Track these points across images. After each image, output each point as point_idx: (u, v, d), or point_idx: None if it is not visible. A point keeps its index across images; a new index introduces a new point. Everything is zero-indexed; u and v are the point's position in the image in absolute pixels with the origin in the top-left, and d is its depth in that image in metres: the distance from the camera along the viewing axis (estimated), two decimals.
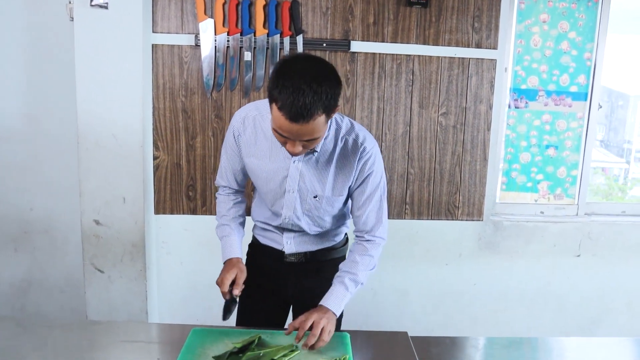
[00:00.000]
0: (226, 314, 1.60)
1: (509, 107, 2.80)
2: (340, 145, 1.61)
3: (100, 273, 2.55)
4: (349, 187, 1.66)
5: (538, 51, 2.75)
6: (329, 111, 1.39)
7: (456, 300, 2.90)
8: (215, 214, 1.81)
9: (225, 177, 1.76)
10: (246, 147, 1.66)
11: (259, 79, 2.56)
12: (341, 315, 1.81)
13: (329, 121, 1.55)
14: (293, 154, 1.48)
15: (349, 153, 1.61)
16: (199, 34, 2.49)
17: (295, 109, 1.32)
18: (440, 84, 2.65)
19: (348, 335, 1.65)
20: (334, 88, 1.38)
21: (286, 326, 1.60)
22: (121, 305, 2.58)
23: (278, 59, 2.54)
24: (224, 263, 1.67)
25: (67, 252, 2.75)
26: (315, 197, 1.66)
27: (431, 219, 2.78)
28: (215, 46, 2.50)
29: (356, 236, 1.73)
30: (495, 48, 2.63)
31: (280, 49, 2.53)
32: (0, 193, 2.70)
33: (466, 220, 2.80)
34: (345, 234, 1.89)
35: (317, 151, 1.58)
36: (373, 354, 1.64)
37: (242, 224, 1.80)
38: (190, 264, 2.74)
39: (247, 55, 2.52)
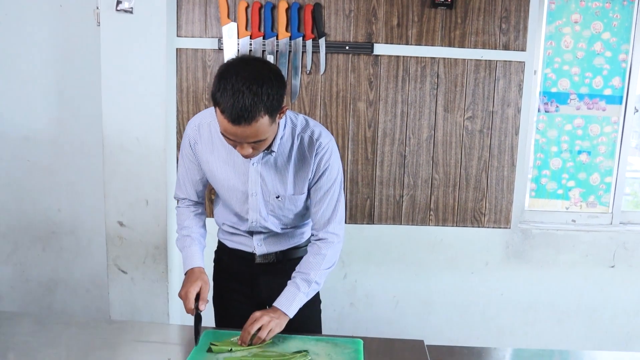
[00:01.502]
0: (197, 335, 1.54)
1: (539, 110, 2.71)
2: (297, 143, 1.60)
3: (123, 274, 2.58)
4: (309, 183, 1.65)
5: (569, 53, 2.65)
6: (272, 112, 1.37)
7: (482, 311, 2.81)
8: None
9: (183, 189, 1.74)
10: (204, 155, 1.64)
11: None
12: (319, 318, 1.83)
13: (284, 121, 1.57)
14: (244, 157, 1.47)
15: (305, 150, 1.60)
16: (222, 37, 2.50)
17: (236, 112, 1.31)
18: (466, 87, 2.59)
19: (361, 341, 1.61)
20: (276, 89, 1.36)
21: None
22: (143, 306, 2.60)
23: (300, 63, 2.53)
24: (185, 274, 1.64)
25: (92, 252, 2.80)
26: (277, 197, 1.65)
27: (456, 226, 2.71)
28: (238, 50, 2.51)
29: (311, 235, 1.71)
30: (523, 50, 2.55)
31: (302, 52, 2.52)
32: (29, 194, 2.78)
33: (493, 227, 2.72)
34: (310, 233, 1.87)
35: (274, 151, 1.57)
36: None
37: (204, 235, 1.77)
38: (212, 267, 2.74)
39: (270, 59, 2.52)
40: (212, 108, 1.63)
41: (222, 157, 1.63)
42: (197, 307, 1.55)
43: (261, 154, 1.57)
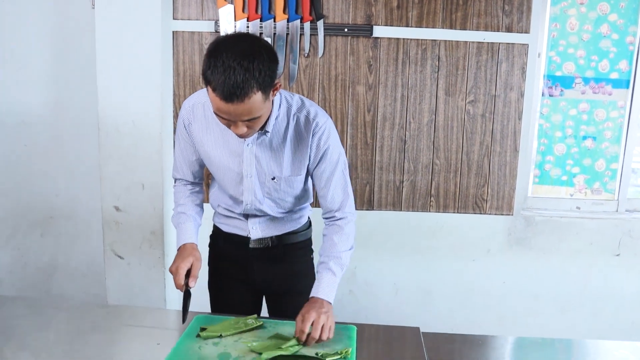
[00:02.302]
0: (185, 313, 1.52)
1: (543, 95, 2.65)
2: (292, 123, 1.56)
3: (119, 259, 2.56)
4: (307, 166, 1.61)
5: (575, 35, 2.58)
6: (265, 88, 1.34)
7: (483, 299, 2.77)
8: None
9: (180, 169, 1.72)
10: (198, 135, 1.62)
11: (279, 65, 2.50)
12: None
13: (278, 101, 1.53)
14: (239, 136, 1.44)
15: (302, 130, 1.56)
16: (218, 20, 2.46)
17: (228, 89, 1.28)
18: (468, 71, 2.53)
19: (355, 328, 1.58)
20: (267, 64, 1.32)
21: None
22: (140, 291, 2.59)
23: (298, 45, 2.48)
24: (177, 249, 1.61)
25: (89, 237, 2.79)
26: (273, 178, 1.62)
27: (457, 213, 2.67)
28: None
29: (326, 219, 1.67)
30: (527, 32, 2.49)
31: (300, 34, 2.47)
32: (27, 178, 2.77)
33: (495, 214, 2.67)
34: (308, 217, 1.84)
35: (268, 131, 1.53)
36: (379, 348, 1.55)
37: (199, 213, 1.74)
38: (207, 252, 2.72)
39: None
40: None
41: (216, 138, 1.59)
42: (186, 284, 1.51)
43: (256, 135, 1.54)
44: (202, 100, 1.58)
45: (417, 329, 1.65)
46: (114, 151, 2.46)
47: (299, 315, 1.49)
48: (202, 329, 1.49)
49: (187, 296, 1.52)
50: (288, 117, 1.56)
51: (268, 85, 1.35)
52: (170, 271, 1.53)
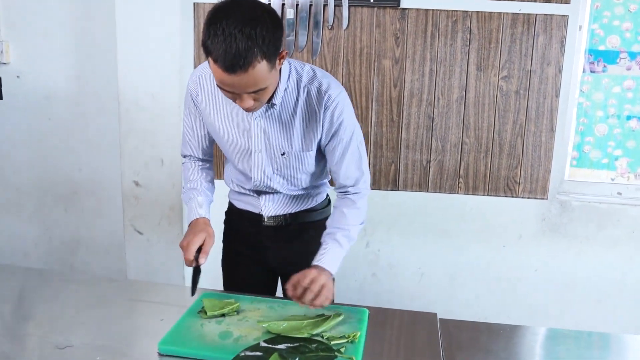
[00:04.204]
0: (194, 287, 1.47)
1: (584, 71, 2.47)
2: (302, 96, 1.47)
3: (139, 235, 2.55)
4: (319, 141, 1.52)
5: (620, 6, 2.38)
6: (270, 56, 1.24)
7: (513, 287, 2.64)
8: None
9: (188, 145, 1.66)
10: (205, 108, 1.54)
11: (302, 38, 2.41)
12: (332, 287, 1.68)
13: (287, 71, 1.44)
14: (246, 110, 1.35)
15: (313, 103, 1.47)
16: None
17: (230, 58, 1.19)
18: (502, 44, 2.38)
19: (366, 311, 1.49)
20: (272, 30, 1.23)
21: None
22: (159, 268, 2.57)
23: (322, 17, 2.38)
24: (189, 225, 1.55)
25: (111, 213, 2.79)
26: (282, 154, 1.53)
27: (488, 195, 2.54)
28: None
29: (339, 192, 1.59)
30: (567, 2, 2.31)
31: (324, 5, 2.37)
32: (51, 152, 2.79)
33: (528, 198, 2.53)
34: (327, 194, 1.76)
35: (275, 104, 1.44)
36: (391, 333, 1.46)
37: (211, 190, 1.68)
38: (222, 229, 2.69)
39: (290, 13, 2.38)
40: None
41: (224, 111, 1.52)
42: (196, 259, 1.45)
43: (263, 108, 1.46)
44: (209, 71, 1.50)
45: (434, 314, 1.55)
46: (133, 126, 2.44)
47: (295, 275, 1.41)
48: (205, 306, 1.44)
49: (196, 272, 1.47)
50: (298, 88, 1.47)
51: (273, 54, 1.26)
52: (181, 246, 1.47)
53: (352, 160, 1.54)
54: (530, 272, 2.62)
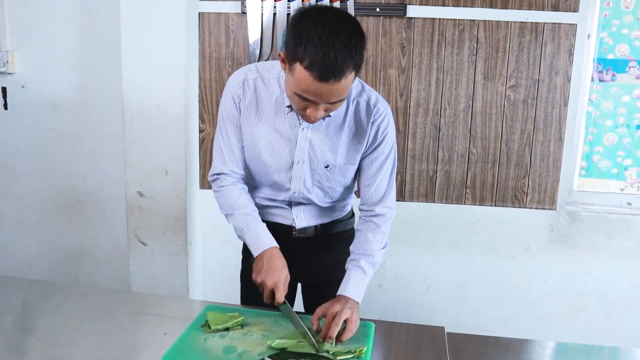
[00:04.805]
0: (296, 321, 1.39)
1: (592, 80, 2.44)
2: (351, 108, 1.45)
3: (143, 246, 2.53)
4: (362, 154, 1.50)
5: (630, 14, 2.36)
6: (358, 68, 1.23)
7: (522, 300, 2.60)
8: (221, 209, 1.56)
9: (229, 161, 1.51)
10: (246, 115, 1.47)
11: None
12: None
13: None
14: (310, 121, 1.33)
15: (361, 116, 1.45)
16: (245, 0, 2.37)
17: (327, 66, 1.16)
18: (509, 53, 2.36)
19: (373, 325, 1.47)
20: (362, 42, 1.22)
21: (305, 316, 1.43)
22: (163, 279, 2.55)
23: None
24: (258, 255, 1.43)
25: (115, 223, 2.77)
26: (327, 167, 1.50)
27: (495, 206, 2.51)
28: (262, 13, 2.37)
29: (362, 211, 1.56)
30: (575, 11, 2.29)
31: None
32: (56, 162, 2.78)
33: (536, 208, 2.49)
34: (352, 205, 1.74)
35: (330, 115, 1.40)
36: (398, 348, 1.43)
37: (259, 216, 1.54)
38: (236, 242, 2.64)
39: None
40: (258, 64, 1.50)
41: (268, 119, 1.46)
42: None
43: None
44: (253, 75, 1.46)
45: (442, 328, 1.52)
46: (138, 136, 2.42)
47: (320, 307, 1.38)
48: (209, 321, 1.41)
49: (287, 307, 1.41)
50: (347, 101, 1.44)
51: (360, 66, 1.24)
52: (264, 284, 1.38)
53: (385, 177, 1.53)
54: (539, 283, 2.58)
